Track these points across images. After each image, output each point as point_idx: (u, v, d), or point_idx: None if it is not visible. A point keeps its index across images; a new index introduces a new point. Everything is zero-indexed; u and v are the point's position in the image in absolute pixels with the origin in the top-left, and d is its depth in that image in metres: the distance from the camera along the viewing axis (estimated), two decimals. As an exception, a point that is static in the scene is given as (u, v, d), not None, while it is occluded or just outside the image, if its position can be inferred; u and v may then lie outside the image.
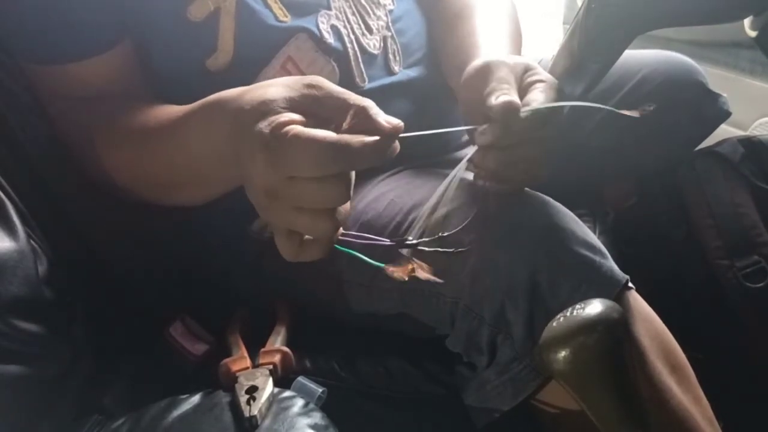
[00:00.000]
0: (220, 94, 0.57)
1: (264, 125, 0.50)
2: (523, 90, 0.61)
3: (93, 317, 0.67)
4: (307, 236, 0.52)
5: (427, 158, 0.79)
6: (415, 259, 0.55)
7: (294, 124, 0.49)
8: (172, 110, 0.62)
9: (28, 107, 0.67)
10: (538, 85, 0.61)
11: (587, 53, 0.60)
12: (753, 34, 0.59)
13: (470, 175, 0.70)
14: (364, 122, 0.50)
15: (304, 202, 0.49)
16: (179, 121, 0.60)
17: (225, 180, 0.60)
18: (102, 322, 0.68)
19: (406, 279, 0.54)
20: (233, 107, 0.53)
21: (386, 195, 0.70)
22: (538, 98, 0.59)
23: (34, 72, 0.67)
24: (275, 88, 0.52)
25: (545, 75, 0.62)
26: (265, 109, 0.51)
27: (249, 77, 0.69)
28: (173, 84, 0.69)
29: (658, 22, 0.59)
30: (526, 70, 0.62)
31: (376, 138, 0.49)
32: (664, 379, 0.60)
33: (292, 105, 0.51)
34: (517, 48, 0.77)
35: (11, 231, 0.57)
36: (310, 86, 0.52)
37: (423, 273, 0.54)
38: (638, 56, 0.90)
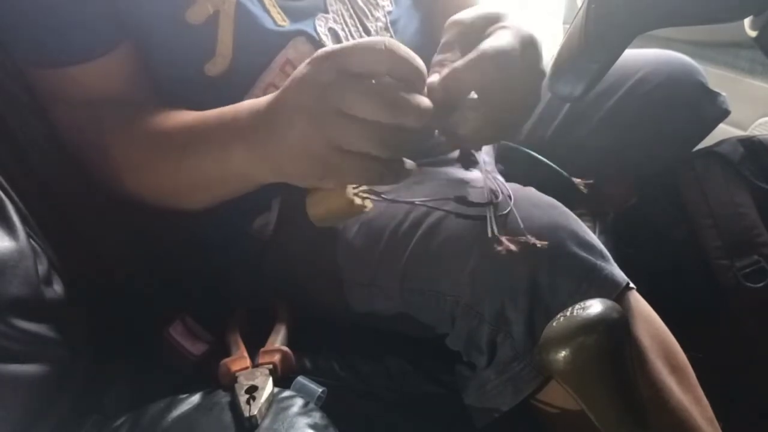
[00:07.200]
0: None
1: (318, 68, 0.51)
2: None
3: (93, 317, 0.67)
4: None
5: (426, 158, 0.79)
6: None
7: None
8: (186, 116, 0.63)
9: (27, 108, 0.67)
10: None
11: (587, 53, 0.60)
12: (753, 34, 0.59)
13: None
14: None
15: (352, 137, 0.51)
16: (195, 126, 0.62)
17: (235, 180, 0.62)
18: (102, 322, 0.68)
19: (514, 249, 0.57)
20: (275, 97, 0.56)
21: (386, 194, 0.70)
22: (489, 43, 0.57)
23: (34, 75, 0.67)
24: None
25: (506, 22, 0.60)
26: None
27: (248, 82, 0.69)
28: (172, 87, 0.69)
29: (658, 22, 0.59)
30: (488, 21, 0.60)
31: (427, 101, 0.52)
32: (664, 379, 0.60)
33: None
34: None
35: (11, 231, 0.57)
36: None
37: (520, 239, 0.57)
38: (638, 56, 0.89)
